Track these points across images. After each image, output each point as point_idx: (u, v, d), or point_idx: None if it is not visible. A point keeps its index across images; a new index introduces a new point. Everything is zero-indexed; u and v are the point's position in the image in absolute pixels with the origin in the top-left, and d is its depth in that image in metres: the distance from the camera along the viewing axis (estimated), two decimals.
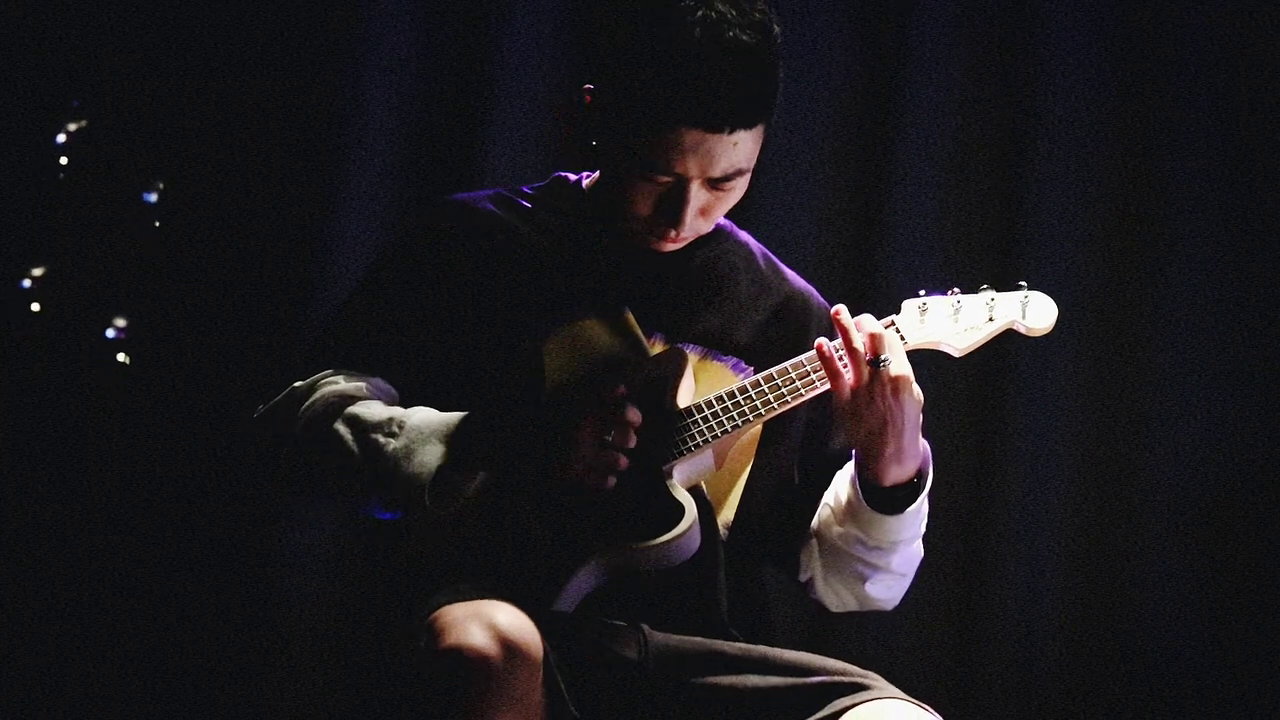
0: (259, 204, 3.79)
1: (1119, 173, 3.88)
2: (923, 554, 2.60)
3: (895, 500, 2.47)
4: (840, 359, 2.41)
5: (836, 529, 2.53)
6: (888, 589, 2.58)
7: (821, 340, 2.43)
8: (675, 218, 2.45)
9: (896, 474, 2.45)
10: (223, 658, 3.76)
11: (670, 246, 2.52)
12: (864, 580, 2.55)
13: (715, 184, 2.44)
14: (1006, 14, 3.91)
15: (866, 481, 2.47)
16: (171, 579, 3.77)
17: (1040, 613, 3.82)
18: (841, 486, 2.54)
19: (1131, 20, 3.88)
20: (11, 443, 3.75)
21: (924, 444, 2.48)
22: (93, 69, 3.78)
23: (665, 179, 2.43)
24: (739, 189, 2.48)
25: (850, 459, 2.52)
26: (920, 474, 2.48)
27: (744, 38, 2.38)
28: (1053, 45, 3.88)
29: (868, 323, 2.42)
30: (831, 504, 2.55)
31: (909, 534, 2.51)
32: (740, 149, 2.42)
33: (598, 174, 2.60)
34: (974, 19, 3.91)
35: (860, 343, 2.39)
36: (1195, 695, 3.80)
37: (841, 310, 2.43)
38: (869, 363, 2.39)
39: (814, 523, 2.59)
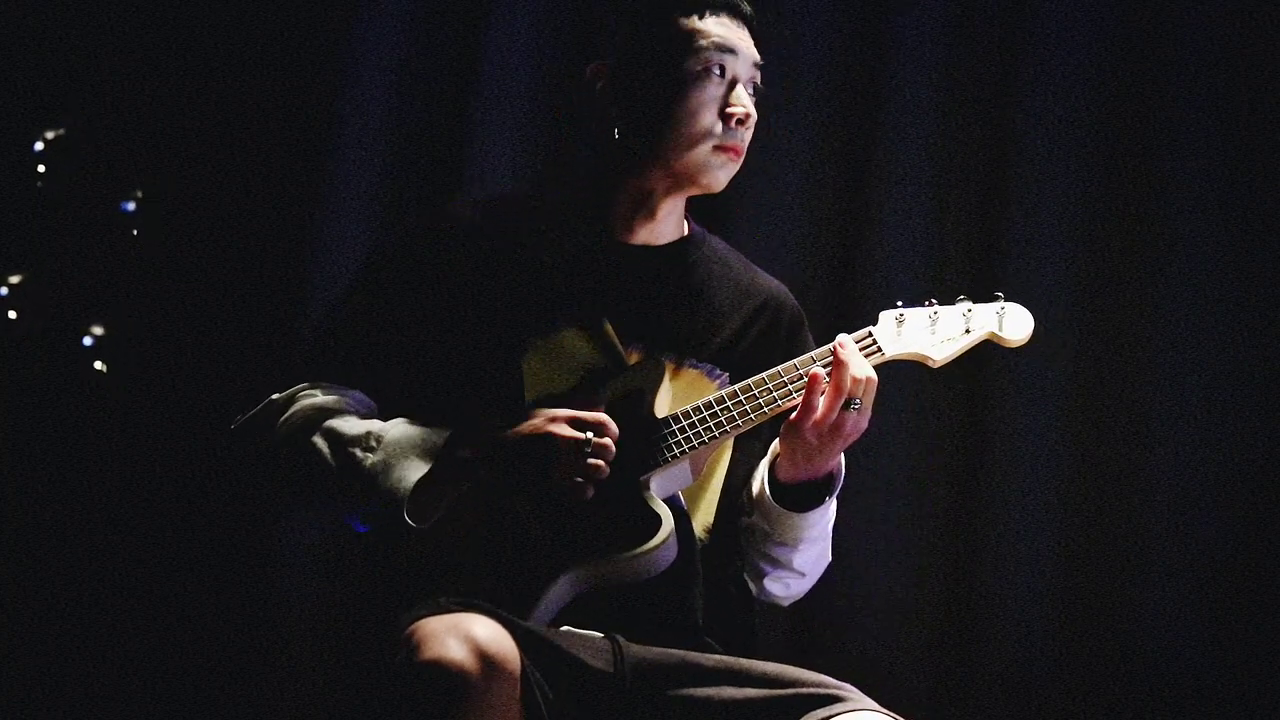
0: (248, 206, 3.81)
1: (1118, 172, 3.86)
2: (830, 559, 2.63)
3: (801, 498, 2.51)
4: (822, 391, 2.44)
5: (744, 519, 2.58)
6: (786, 587, 2.63)
7: (818, 371, 2.45)
8: (743, 105, 2.54)
9: (808, 475, 2.50)
10: (221, 657, 3.78)
11: (735, 161, 2.57)
12: (763, 576, 2.60)
13: (757, 69, 2.56)
14: (1005, 12, 3.90)
15: (776, 478, 2.52)
16: (171, 579, 3.79)
17: (1039, 613, 3.81)
18: (756, 479, 2.58)
19: (1130, 20, 3.86)
20: (7, 449, 3.77)
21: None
22: (78, 75, 3.79)
23: (720, 62, 2.53)
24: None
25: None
26: (831, 475, 2.52)
27: None
28: (1050, 44, 3.87)
29: (862, 367, 2.45)
30: (744, 496, 2.59)
31: (813, 532, 2.55)
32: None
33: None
34: (971, 17, 3.91)
35: (847, 383, 2.43)
36: (1194, 696, 3.79)
37: (847, 344, 2.46)
38: (845, 404, 2.43)
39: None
